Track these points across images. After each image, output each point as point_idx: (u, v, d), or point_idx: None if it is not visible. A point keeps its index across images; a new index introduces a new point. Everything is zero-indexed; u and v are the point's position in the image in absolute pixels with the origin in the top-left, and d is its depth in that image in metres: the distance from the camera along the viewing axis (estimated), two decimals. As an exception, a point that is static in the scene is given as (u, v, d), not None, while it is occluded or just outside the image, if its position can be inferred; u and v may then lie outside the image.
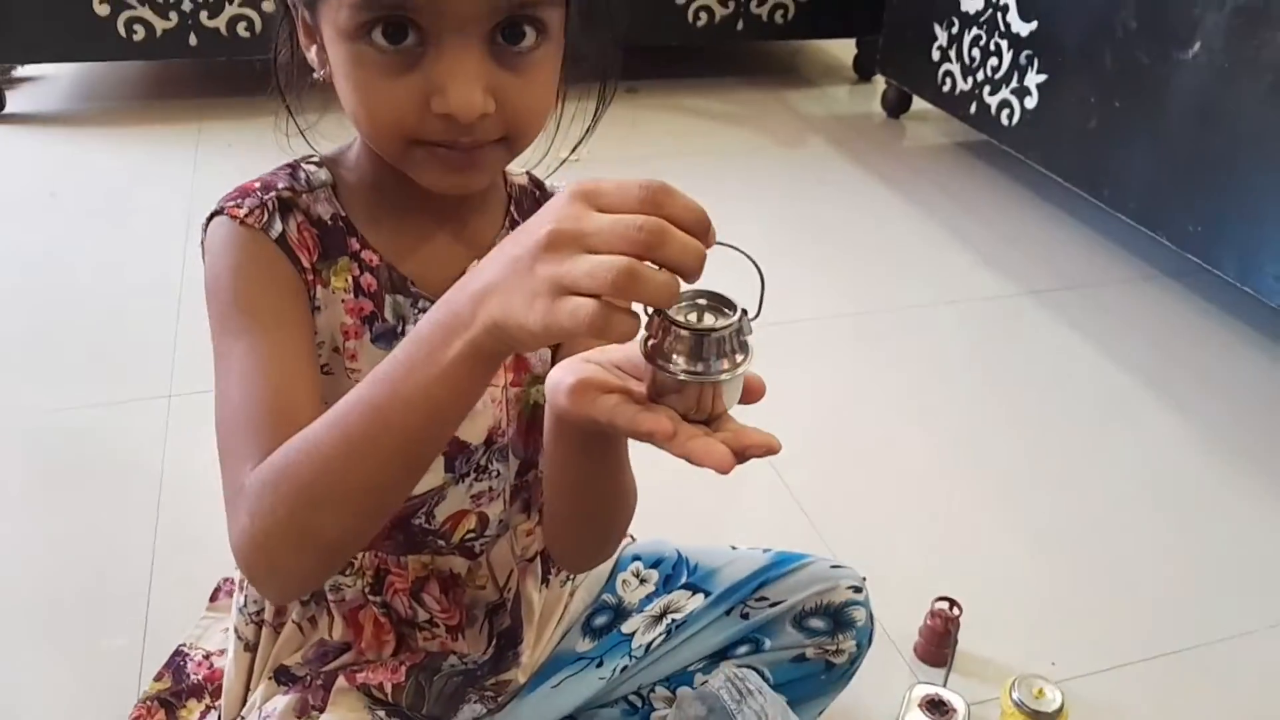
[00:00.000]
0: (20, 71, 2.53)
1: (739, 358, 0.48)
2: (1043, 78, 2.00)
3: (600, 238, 0.43)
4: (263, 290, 0.62)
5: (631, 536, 0.93)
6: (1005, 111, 2.11)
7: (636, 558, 0.90)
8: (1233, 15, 1.56)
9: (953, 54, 2.26)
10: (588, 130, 0.70)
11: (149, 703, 0.86)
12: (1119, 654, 1.11)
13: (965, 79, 2.23)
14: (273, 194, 0.64)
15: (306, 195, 0.66)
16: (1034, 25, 2.01)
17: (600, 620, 0.86)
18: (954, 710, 0.90)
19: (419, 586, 0.76)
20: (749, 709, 0.75)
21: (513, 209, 0.72)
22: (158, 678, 0.89)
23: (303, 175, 0.67)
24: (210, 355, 0.62)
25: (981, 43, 2.16)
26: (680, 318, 0.47)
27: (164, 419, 1.37)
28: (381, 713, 0.75)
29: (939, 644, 1.07)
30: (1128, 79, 1.79)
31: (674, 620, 0.83)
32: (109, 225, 1.90)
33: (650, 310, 0.47)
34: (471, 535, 0.76)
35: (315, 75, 0.63)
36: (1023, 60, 2.05)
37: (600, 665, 0.83)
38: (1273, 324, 1.74)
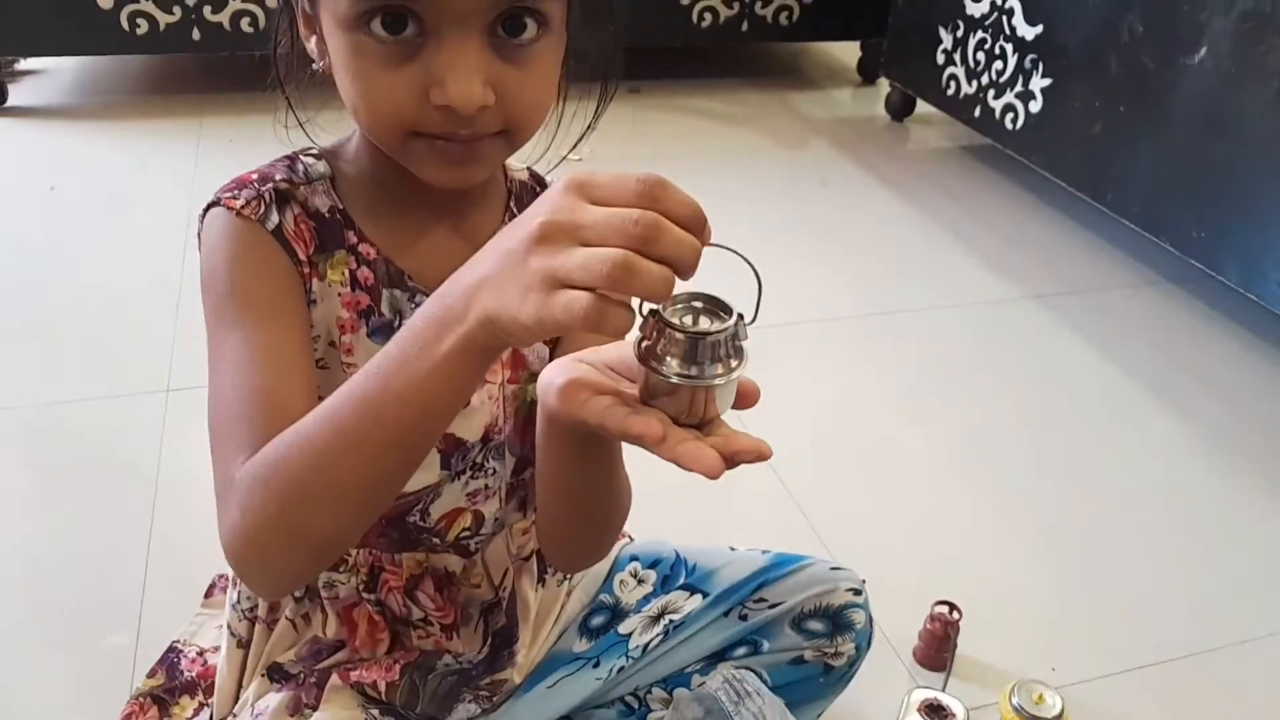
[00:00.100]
0: (22, 65, 2.53)
1: (734, 363, 0.47)
2: (1047, 82, 1.99)
3: (595, 230, 0.42)
4: (258, 282, 0.62)
5: (629, 536, 0.93)
6: (1009, 115, 2.10)
7: (634, 558, 0.89)
8: (1240, 21, 1.56)
9: (957, 57, 2.26)
10: (589, 127, 0.69)
11: (141, 699, 0.85)
12: (1120, 659, 1.10)
13: (970, 82, 2.22)
14: (270, 186, 0.64)
15: (304, 187, 0.65)
16: (1039, 29, 2.01)
17: (597, 620, 0.86)
18: (953, 715, 0.89)
19: (413, 584, 0.76)
20: (747, 710, 0.74)
21: (513, 204, 0.72)
22: (151, 674, 0.88)
23: (301, 167, 0.66)
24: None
25: (986, 46, 2.16)
26: (675, 320, 0.47)
27: (161, 414, 1.36)
28: (375, 711, 0.75)
29: (938, 648, 1.06)
30: (1133, 84, 1.78)
31: (672, 621, 0.82)
32: (110, 219, 1.90)
33: (645, 311, 0.47)
34: (467, 533, 0.75)
35: (315, 66, 0.62)
36: (1028, 64, 2.04)
37: (597, 666, 0.83)
38: (1275, 330, 1.73)
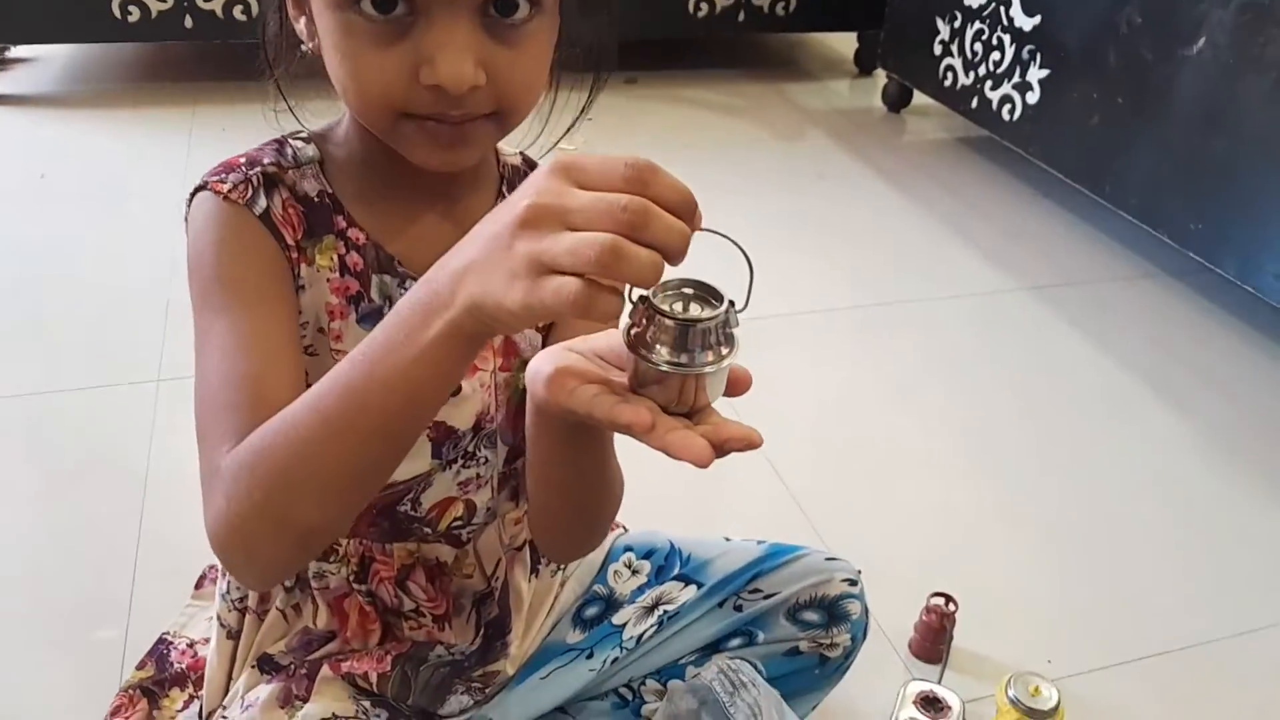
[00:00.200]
0: (13, 52, 2.51)
1: (724, 350, 0.46)
2: (1045, 73, 1.98)
3: (582, 215, 0.41)
4: (245, 267, 0.61)
5: (624, 527, 0.92)
6: (1007, 107, 2.10)
7: (628, 548, 0.88)
8: (1238, 12, 1.55)
9: (954, 48, 2.25)
10: (583, 109, 0.69)
11: (131, 691, 0.84)
12: (1116, 652, 1.10)
13: (967, 73, 2.22)
14: (258, 169, 0.63)
15: (293, 171, 0.64)
16: (1037, 20, 2.00)
17: (591, 611, 0.85)
18: (949, 707, 0.89)
19: (405, 575, 0.75)
20: (742, 701, 0.73)
21: (505, 188, 0.71)
22: (140, 666, 0.87)
23: (290, 151, 0.65)
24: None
25: (984, 37, 2.15)
26: (665, 306, 0.46)
27: (152, 404, 1.35)
28: (367, 703, 0.74)
29: (934, 640, 1.06)
30: (1131, 75, 1.77)
31: (666, 612, 0.82)
32: (101, 208, 1.89)
33: (635, 298, 0.46)
34: (458, 523, 0.74)
35: (304, 47, 0.61)
36: (1025, 55, 2.03)
37: (590, 657, 0.82)
38: (1273, 323, 1.73)
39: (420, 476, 0.70)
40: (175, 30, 2.24)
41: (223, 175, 0.62)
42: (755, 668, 0.79)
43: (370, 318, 0.65)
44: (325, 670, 0.74)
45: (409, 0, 0.53)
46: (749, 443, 0.47)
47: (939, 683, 0.92)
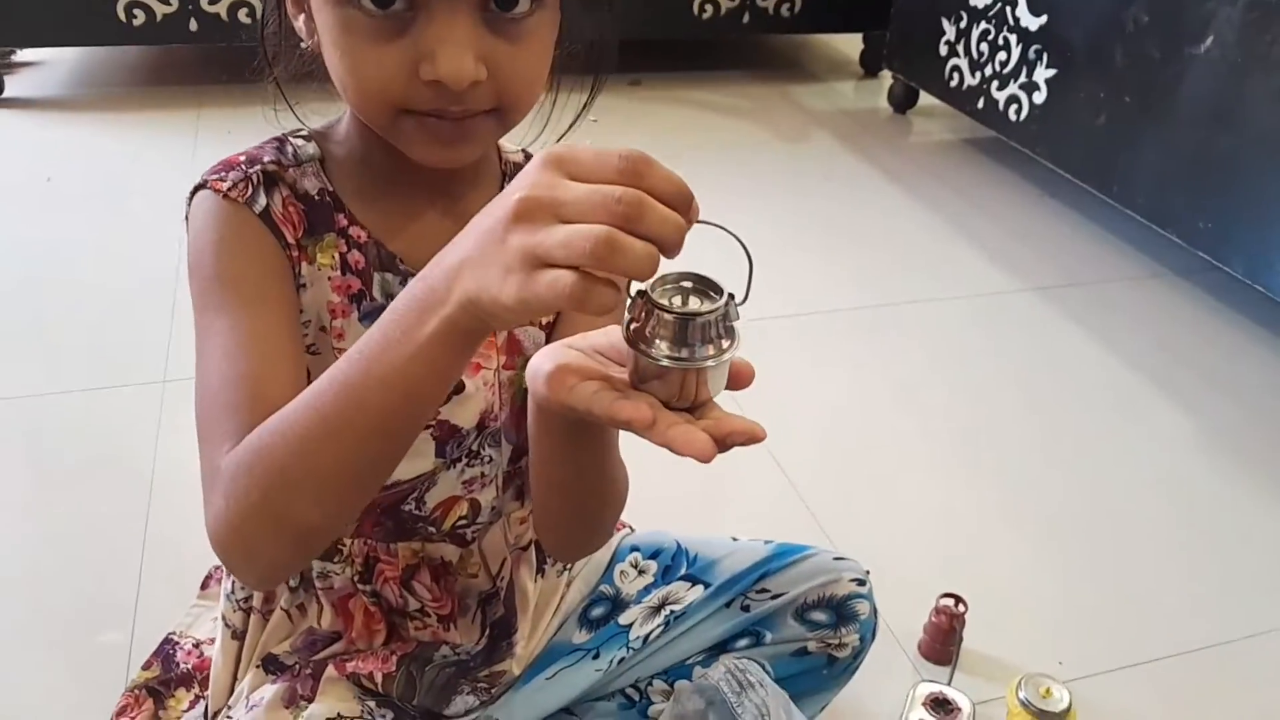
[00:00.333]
0: (20, 56, 2.52)
1: (725, 344, 0.46)
2: (1052, 73, 1.98)
3: (576, 207, 0.41)
4: (245, 265, 0.61)
5: (630, 527, 0.92)
6: (1013, 107, 2.09)
7: (635, 548, 0.88)
8: (1246, 10, 1.54)
9: (960, 48, 2.24)
10: (584, 107, 0.68)
11: (137, 691, 0.84)
12: (1127, 654, 1.09)
13: (973, 74, 2.21)
14: (257, 168, 0.63)
15: (293, 169, 0.64)
16: (1043, 19, 1.99)
17: (597, 611, 0.85)
18: (959, 709, 0.88)
19: (409, 575, 0.74)
20: (749, 701, 0.73)
21: (507, 185, 0.70)
22: (146, 666, 0.87)
23: (290, 149, 0.65)
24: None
25: (990, 37, 2.14)
26: (664, 300, 0.45)
27: (157, 406, 1.35)
28: (372, 703, 0.74)
29: (944, 641, 1.05)
30: (1138, 74, 1.76)
31: (673, 612, 0.81)
32: (107, 210, 1.89)
33: (634, 293, 0.45)
34: (463, 522, 0.74)
35: (303, 44, 0.61)
36: (1031, 55, 2.02)
37: (597, 657, 0.81)
38: (1283, 322, 1.72)
39: (424, 475, 0.70)
40: (180, 33, 2.25)
41: (222, 174, 0.62)
42: (763, 668, 0.78)
43: (372, 316, 0.65)
44: (330, 670, 0.73)
45: None
46: (751, 436, 0.46)
47: (949, 684, 0.92)
